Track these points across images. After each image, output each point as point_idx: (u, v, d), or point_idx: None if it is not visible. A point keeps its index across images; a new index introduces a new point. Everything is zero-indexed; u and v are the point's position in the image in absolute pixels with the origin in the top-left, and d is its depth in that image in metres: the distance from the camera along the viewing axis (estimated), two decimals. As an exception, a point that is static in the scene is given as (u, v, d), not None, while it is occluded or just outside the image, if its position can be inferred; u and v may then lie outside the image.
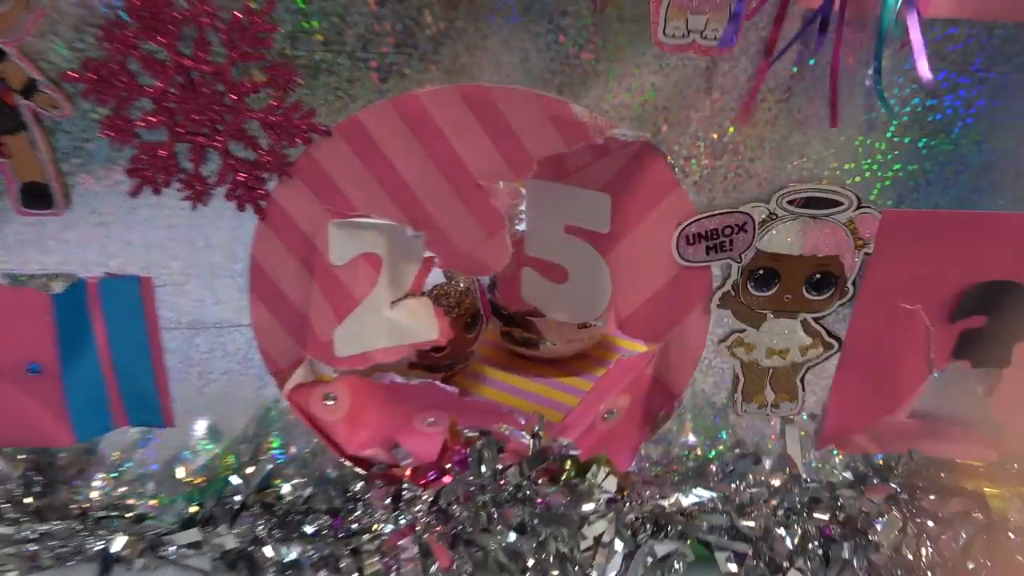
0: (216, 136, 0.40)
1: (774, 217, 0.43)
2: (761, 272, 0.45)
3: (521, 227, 0.49)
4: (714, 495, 0.50)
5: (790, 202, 0.43)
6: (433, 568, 0.46)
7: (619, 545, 0.48)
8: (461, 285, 0.59)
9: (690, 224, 0.43)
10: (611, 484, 0.47)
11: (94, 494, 0.52)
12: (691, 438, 0.54)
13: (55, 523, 0.50)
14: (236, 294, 0.44)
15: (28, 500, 0.51)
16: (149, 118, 0.39)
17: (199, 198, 0.42)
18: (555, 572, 0.47)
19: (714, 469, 0.53)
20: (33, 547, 0.49)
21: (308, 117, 0.40)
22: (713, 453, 0.53)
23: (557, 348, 0.65)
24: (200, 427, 0.50)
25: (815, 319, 0.46)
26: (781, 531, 0.50)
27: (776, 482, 0.53)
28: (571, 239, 0.48)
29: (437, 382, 0.53)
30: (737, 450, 0.53)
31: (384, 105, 0.40)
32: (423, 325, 0.48)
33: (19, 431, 0.48)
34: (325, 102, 0.40)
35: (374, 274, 0.45)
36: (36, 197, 0.42)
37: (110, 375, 0.46)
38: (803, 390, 0.49)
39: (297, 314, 0.45)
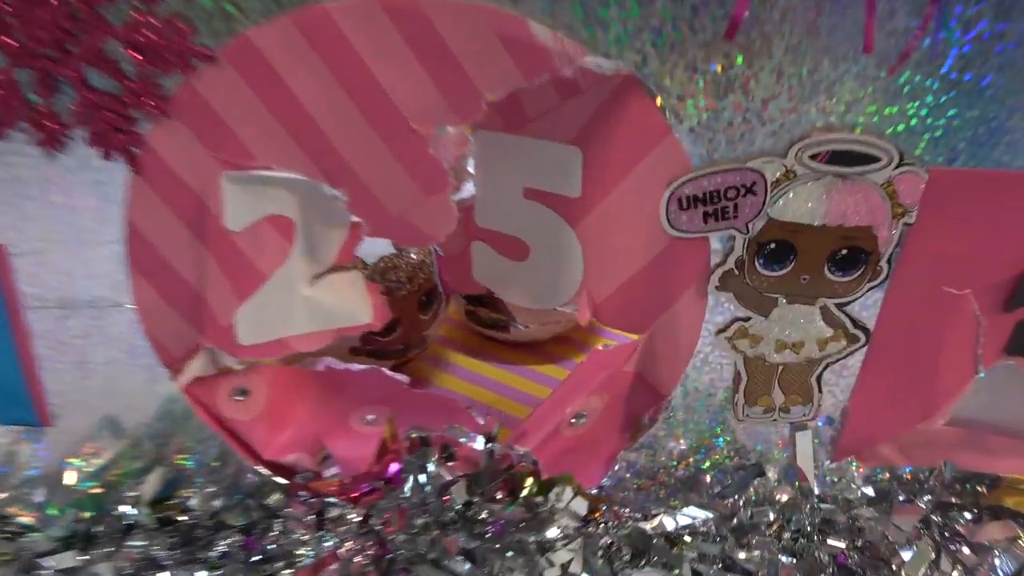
0: (67, 60, 0.31)
1: (792, 176, 0.34)
2: (773, 246, 0.35)
3: (470, 191, 0.39)
4: (708, 515, 0.42)
5: (813, 157, 0.33)
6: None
7: None
8: (413, 257, 0.49)
9: (684, 184, 0.34)
10: (580, 506, 0.38)
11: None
12: (681, 445, 0.45)
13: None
14: (111, 266, 0.35)
15: None
16: (-24, 35, 0.30)
17: (53, 143, 0.32)
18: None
19: (708, 481, 0.44)
20: None
21: (185, 36, 0.31)
22: (707, 464, 0.44)
23: (530, 331, 0.56)
24: (89, 426, 0.41)
25: (838, 305, 0.37)
26: (788, 559, 0.42)
27: (783, 498, 0.44)
28: (532, 206, 0.38)
29: (384, 370, 0.44)
30: (736, 460, 0.44)
31: (283, 22, 0.30)
32: (352, 306, 0.39)
33: None
34: (207, 16, 0.30)
35: (284, 243, 0.36)
36: None
37: (-37, 364, 0.37)
38: (820, 391, 0.40)
39: (190, 293, 0.36)
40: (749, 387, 0.39)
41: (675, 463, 0.45)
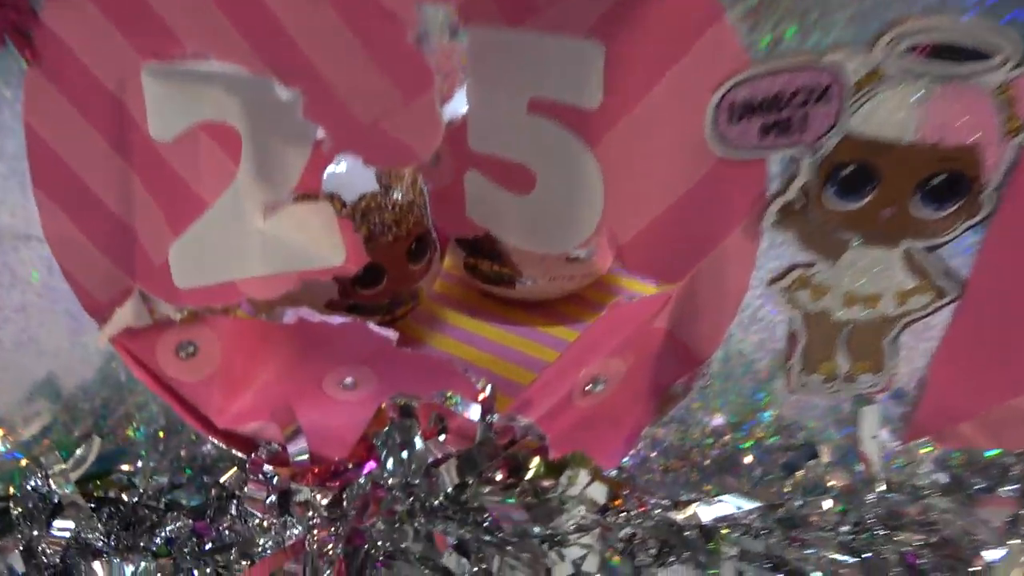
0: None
1: (878, 77, 0.26)
2: (849, 170, 0.27)
3: (460, 108, 0.31)
4: (751, 505, 0.34)
5: (910, 50, 0.25)
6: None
7: None
8: (400, 197, 0.42)
9: (738, 86, 0.26)
10: (598, 492, 0.30)
11: None
12: (717, 419, 0.38)
13: None
14: (10, 188, 0.28)
15: None
16: None
17: (-78, 22, 0.25)
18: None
19: (750, 464, 0.37)
20: None
21: None
22: (749, 443, 0.37)
23: (539, 287, 0.49)
24: (6, 389, 0.34)
25: (927, 248, 0.29)
26: (845, 557, 0.34)
27: (839, 484, 0.37)
28: (539, 122, 0.30)
29: (369, 324, 0.36)
30: (784, 439, 0.37)
31: None
32: (319, 244, 0.32)
33: None
34: None
35: (227, 161, 0.28)
36: None
37: None
38: (894, 356, 0.32)
39: (114, 221, 0.29)
40: (808, 350, 0.32)
41: (710, 440, 0.37)
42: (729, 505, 0.34)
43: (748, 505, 0.34)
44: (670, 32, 0.26)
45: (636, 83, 0.27)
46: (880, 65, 0.26)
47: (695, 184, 0.28)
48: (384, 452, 0.30)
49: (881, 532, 0.35)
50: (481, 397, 0.32)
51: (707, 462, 0.38)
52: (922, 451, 0.37)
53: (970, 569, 0.34)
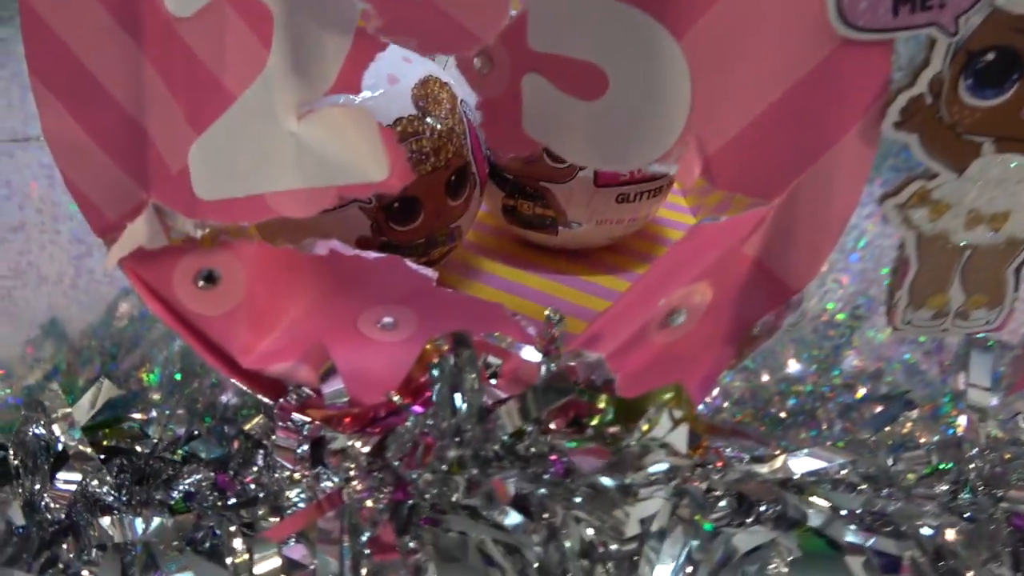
0: None
1: (1040, -64, 0.21)
2: (991, 57, 0.23)
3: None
4: (839, 458, 0.30)
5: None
6: (367, 571, 0.27)
7: (677, 536, 0.29)
8: (439, 126, 0.37)
9: (871, -55, 0.21)
10: (679, 438, 0.26)
11: None
12: (793, 367, 0.34)
13: None
14: (2, 78, 0.24)
15: None
16: None
17: None
18: None
19: (832, 417, 0.33)
20: None
21: None
22: (832, 391, 0.32)
23: (584, 233, 0.45)
24: (2, 322, 0.30)
25: (1072, 156, 0.25)
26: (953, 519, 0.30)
27: (931, 440, 0.33)
28: (616, 9, 0.25)
29: (408, 261, 0.32)
30: (870, 388, 0.33)
31: None
32: (360, 155, 0.27)
33: None
34: None
35: (257, 44, 0.24)
36: None
37: None
38: (1017, 288, 0.28)
39: (125, 120, 0.24)
40: (919, 280, 0.27)
41: (784, 387, 0.33)
42: (819, 460, 0.30)
43: (838, 459, 0.30)
44: None
45: (741, -48, 0.23)
46: (1041, -78, 0.21)
47: (805, 76, 0.24)
48: (437, 390, 0.26)
49: (984, 492, 0.31)
50: (549, 331, 0.27)
51: (783, 415, 0.34)
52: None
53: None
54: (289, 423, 0.30)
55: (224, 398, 0.32)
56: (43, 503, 0.29)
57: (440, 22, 0.23)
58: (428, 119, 0.37)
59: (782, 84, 0.24)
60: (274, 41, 0.24)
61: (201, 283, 0.29)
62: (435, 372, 0.26)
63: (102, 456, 0.30)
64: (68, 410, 0.30)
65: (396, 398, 0.28)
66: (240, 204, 0.26)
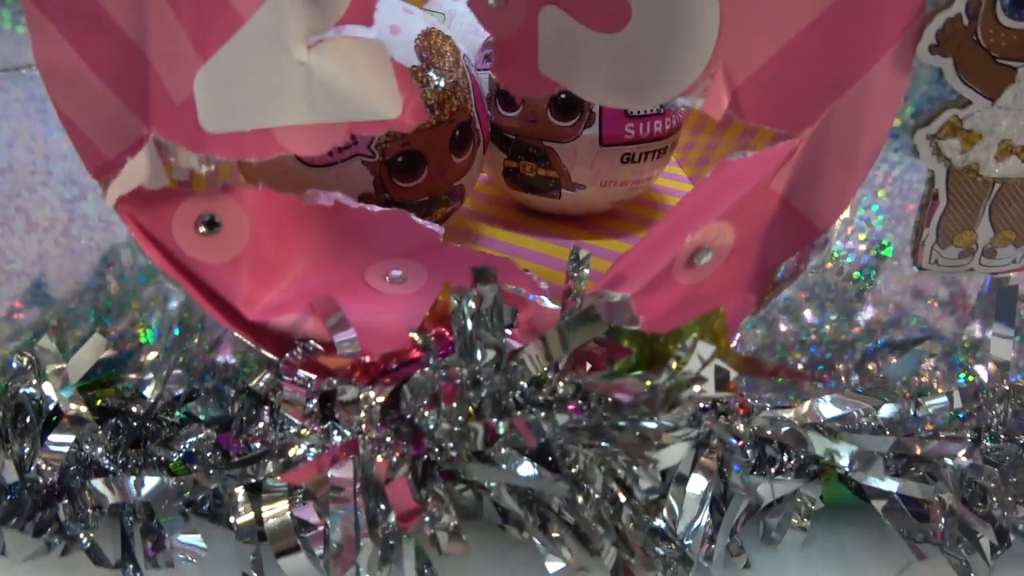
0: None
1: None
2: (1030, -26, 0.22)
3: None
4: (862, 404, 0.29)
5: None
6: (387, 523, 0.25)
7: (701, 486, 0.28)
8: (442, 82, 0.36)
9: None
10: (711, 374, 0.25)
11: None
12: (808, 315, 0.33)
13: None
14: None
15: None
16: None
17: None
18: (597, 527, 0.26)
19: (843, 372, 0.32)
20: None
21: None
22: (851, 339, 0.31)
23: (587, 196, 0.43)
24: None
25: (1107, 81, 0.24)
26: (970, 462, 0.30)
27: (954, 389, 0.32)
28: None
29: (412, 215, 0.31)
30: (890, 334, 0.32)
31: None
32: (373, 90, 0.26)
33: None
34: None
35: (268, -40, 0.22)
36: None
37: None
38: (1046, 224, 0.27)
39: (122, 43, 0.23)
40: (947, 216, 0.27)
41: (805, 335, 0.32)
42: (845, 405, 0.29)
43: (864, 404, 0.29)
44: None
45: None
46: None
47: (832, 3, 0.23)
48: (458, 332, 0.25)
49: (1006, 439, 0.30)
50: (575, 271, 0.26)
51: (800, 365, 0.33)
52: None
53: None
54: (296, 378, 0.28)
55: (221, 359, 0.30)
56: (33, 466, 0.27)
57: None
58: (431, 71, 0.36)
59: (814, 8, 0.23)
60: (284, -41, 0.23)
61: (202, 229, 0.27)
62: (457, 313, 0.24)
63: (96, 418, 0.29)
64: (61, 366, 0.28)
65: (419, 337, 0.26)
66: (248, 139, 0.24)
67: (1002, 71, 0.24)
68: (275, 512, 0.26)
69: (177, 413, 0.30)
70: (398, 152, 0.35)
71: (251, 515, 0.27)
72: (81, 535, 0.27)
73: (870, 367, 0.32)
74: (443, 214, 0.40)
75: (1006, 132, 0.25)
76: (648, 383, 0.24)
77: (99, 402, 0.29)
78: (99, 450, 0.28)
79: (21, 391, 0.28)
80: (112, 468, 0.28)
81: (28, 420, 0.28)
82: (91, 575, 0.27)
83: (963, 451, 0.28)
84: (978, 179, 0.26)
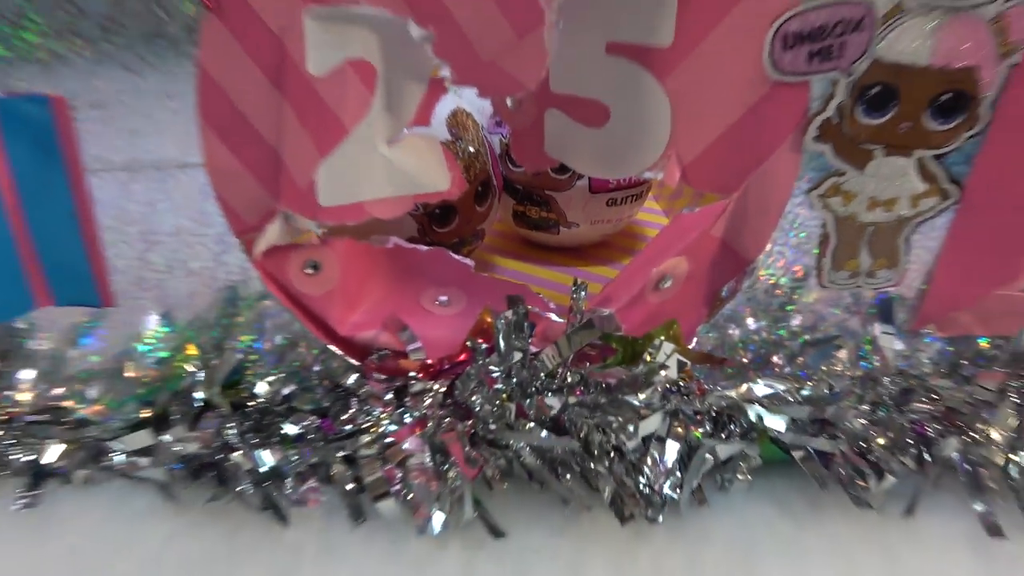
0: None
1: (900, 9, 0.31)
2: (877, 90, 0.33)
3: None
4: (786, 386, 0.40)
5: (926, -13, 0.31)
6: (452, 474, 0.35)
7: (673, 447, 0.38)
8: (471, 148, 0.46)
9: (791, 18, 0.31)
10: (673, 362, 0.35)
11: (22, 396, 0.40)
12: (751, 323, 0.43)
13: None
14: (177, 122, 0.32)
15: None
16: None
17: (122, -25, 0.29)
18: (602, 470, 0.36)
19: (779, 360, 0.42)
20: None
21: None
22: (780, 340, 0.42)
23: (580, 232, 0.54)
24: (151, 307, 0.38)
25: (935, 157, 0.35)
26: (864, 425, 0.40)
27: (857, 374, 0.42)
28: (616, 62, 0.35)
29: (450, 252, 0.41)
30: (811, 337, 0.42)
31: None
32: (431, 171, 0.36)
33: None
34: None
35: (366, 92, 0.33)
36: None
37: (22, 233, 0.34)
38: (908, 253, 0.38)
39: (266, 150, 0.33)
40: (838, 250, 0.37)
41: (747, 336, 0.42)
42: (771, 387, 0.39)
43: (785, 386, 0.39)
44: (734, -23, 0.31)
45: (704, 21, 0.32)
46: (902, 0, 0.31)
47: (750, 107, 0.34)
48: (498, 338, 0.35)
49: (895, 410, 0.41)
50: (576, 295, 0.36)
51: (745, 360, 0.43)
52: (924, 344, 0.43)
53: (971, 432, 0.39)
54: (374, 376, 0.38)
55: (316, 368, 0.40)
56: (189, 448, 0.37)
57: (496, 74, 0.32)
58: (460, 142, 0.46)
59: (736, 113, 0.34)
60: (376, 89, 0.33)
61: (308, 270, 0.37)
62: (497, 325, 0.35)
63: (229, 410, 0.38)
64: (202, 376, 0.37)
65: (471, 344, 0.36)
66: (347, 208, 0.35)
67: (864, 152, 0.34)
68: (371, 471, 0.35)
69: (283, 406, 0.40)
70: (436, 206, 0.45)
71: (351, 484, 0.37)
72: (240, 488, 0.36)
73: (799, 360, 0.42)
74: (468, 251, 0.50)
75: (872, 192, 0.35)
76: (630, 371, 0.34)
77: (228, 399, 0.39)
78: (233, 432, 0.38)
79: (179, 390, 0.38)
80: (243, 446, 0.38)
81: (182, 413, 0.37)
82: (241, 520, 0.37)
83: (859, 418, 0.38)
84: (856, 223, 0.36)
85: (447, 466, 0.36)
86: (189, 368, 0.37)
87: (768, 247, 0.38)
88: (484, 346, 0.36)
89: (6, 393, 0.40)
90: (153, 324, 0.37)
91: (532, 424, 0.36)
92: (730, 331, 0.42)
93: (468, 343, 0.36)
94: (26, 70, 0.32)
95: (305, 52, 0.31)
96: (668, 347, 0.33)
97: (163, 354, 0.38)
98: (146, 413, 0.38)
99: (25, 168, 0.33)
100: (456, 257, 0.41)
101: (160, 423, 0.37)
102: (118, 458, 0.37)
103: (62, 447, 0.39)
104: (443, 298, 0.41)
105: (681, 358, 0.34)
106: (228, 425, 0.37)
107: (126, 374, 0.39)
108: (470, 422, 0.36)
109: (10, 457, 0.38)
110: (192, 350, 0.38)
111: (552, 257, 0.56)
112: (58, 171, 0.33)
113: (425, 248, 0.41)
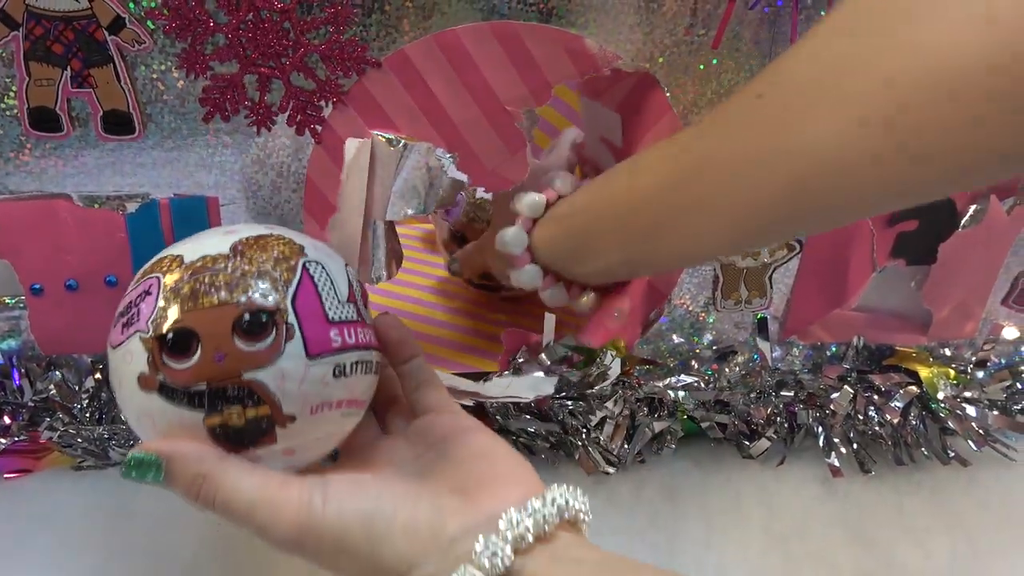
0: (281, 68, 0.44)
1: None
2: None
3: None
4: (696, 380, 0.57)
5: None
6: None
7: (623, 421, 0.54)
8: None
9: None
10: (616, 367, 0.52)
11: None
12: (675, 339, 0.60)
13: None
14: (292, 210, 0.48)
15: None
16: (222, 52, 0.43)
17: (263, 123, 0.46)
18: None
19: (695, 365, 0.59)
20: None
21: (361, 51, 0.44)
22: (696, 350, 0.59)
23: (514, 291, 0.71)
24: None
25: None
26: (752, 406, 0.57)
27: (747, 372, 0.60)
28: (604, 147, 0.53)
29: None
30: (716, 348, 0.60)
31: (427, 40, 0.44)
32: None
33: (99, 339, 0.51)
34: (376, 37, 0.44)
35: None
36: (117, 124, 0.45)
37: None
38: (771, 287, 0.55)
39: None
40: (724, 285, 0.55)
41: (672, 348, 0.59)
42: (687, 380, 0.56)
43: (695, 380, 0.56)
44: (648, 114, 0.49)
45: (635, 138, 0.50)
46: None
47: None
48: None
49: (775, 396, 0.58)
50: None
51: (672, 364, 0.60)
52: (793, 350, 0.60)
53: (826, 410, 0.57)
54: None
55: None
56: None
57: (497, 177, 0.49)
58: (486, 203, 0.63)
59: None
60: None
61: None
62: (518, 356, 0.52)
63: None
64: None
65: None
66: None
67: (736, 222, 0.52)
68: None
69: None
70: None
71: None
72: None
73: (714, 365, 0.59)
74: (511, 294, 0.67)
75: (743, 247, 0.53)
76: (588, 372, 0.51)
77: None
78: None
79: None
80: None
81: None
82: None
83: (747, 401, 0.56)
84: (735, 268, 0.54)
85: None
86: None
87: (676, 288, 0.55)
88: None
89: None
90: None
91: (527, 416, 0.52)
92: (660, 345, 0.59)
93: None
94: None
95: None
96: (612, 354, 0.51)
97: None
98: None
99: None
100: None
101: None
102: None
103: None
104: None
105: (623, 362, 0.52)
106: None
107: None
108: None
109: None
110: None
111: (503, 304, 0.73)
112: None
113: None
